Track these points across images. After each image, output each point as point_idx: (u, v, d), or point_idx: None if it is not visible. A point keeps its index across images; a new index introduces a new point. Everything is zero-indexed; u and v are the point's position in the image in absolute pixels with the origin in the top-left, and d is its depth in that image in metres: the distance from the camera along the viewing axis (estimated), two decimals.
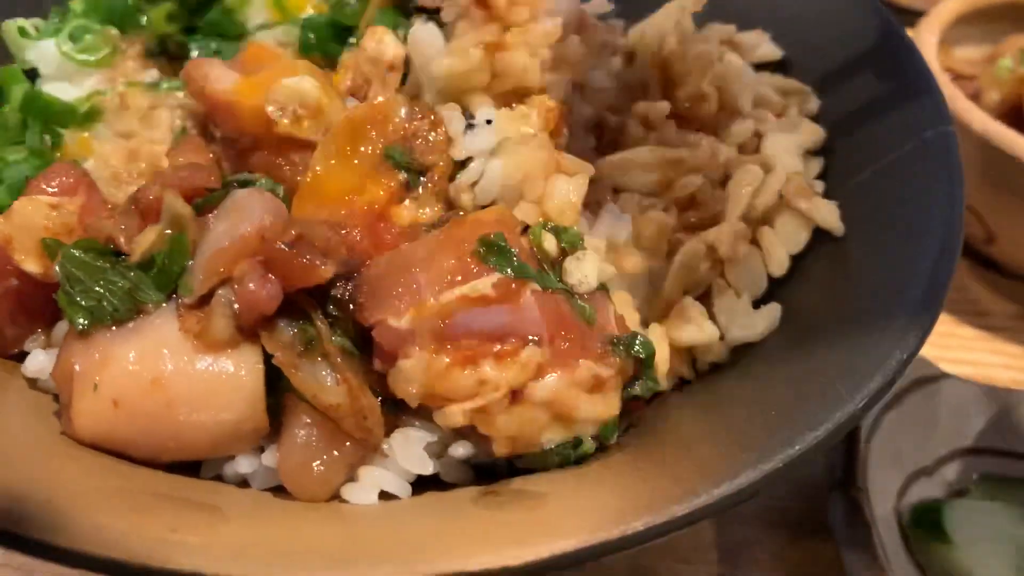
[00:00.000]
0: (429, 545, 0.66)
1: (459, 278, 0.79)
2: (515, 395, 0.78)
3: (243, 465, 0.81)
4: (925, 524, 1.11)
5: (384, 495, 0.81)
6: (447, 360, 0.77)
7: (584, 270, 0.87)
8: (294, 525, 0.73)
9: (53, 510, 0.64)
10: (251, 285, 0.76)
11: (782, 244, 1.02)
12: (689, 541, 1.19)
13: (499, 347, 0.77)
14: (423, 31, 0.95)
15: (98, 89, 1.11)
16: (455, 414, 0.78)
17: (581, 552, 0.64)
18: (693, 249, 0.97)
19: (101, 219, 0.86)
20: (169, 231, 0.83)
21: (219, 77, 0.96)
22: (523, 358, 0.77)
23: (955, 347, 1.42)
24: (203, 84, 0.96)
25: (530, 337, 0.77)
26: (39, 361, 0.88)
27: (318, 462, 0.77)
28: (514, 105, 0.96)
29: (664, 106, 1.05)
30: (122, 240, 0.83)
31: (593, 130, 1.07)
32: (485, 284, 0.78)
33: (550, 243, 0.86)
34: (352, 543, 0.69)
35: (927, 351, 1.25)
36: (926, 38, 1.48)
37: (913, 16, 1.53)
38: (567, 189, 0.90)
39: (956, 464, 1.22)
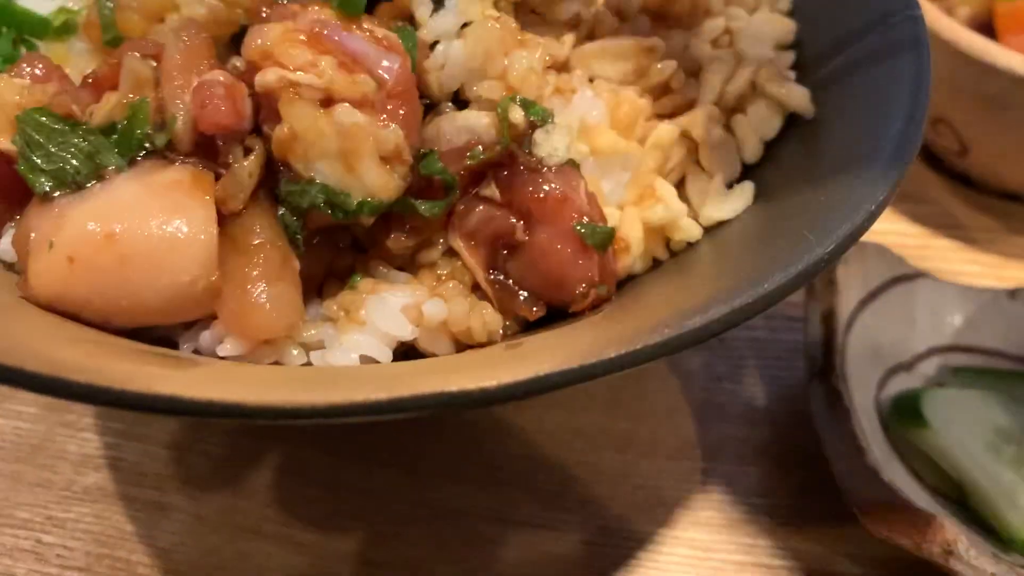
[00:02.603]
0: (408, 374, 0.67)
1: None
2: (327, 103, 0.80)
3: (215, 333, 0.80)
4: (904, 411, 1.12)
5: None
6: (301, 36, 0.80)
7: (554, 142, 0.88)
8: (269, 369, 0.74)
9: (20, 348, 0.63)
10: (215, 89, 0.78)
11: (755, 131, 1.03)
12: (674, 440, 1.20)
13: (347, 61, 0.81)
14: None
15: (68, 7, 1.11)
16: (272, 72, 0.79)
17: (555, 376, 0.65)
18: (666, 130, 0.98)
19: (61, 94, 0.85)
20: (131, 95, 0.82)
21: None
22: (358, 78, 0.79)
23: (932, 258, 1.44)
24: None
25: (376, 73, 0.80)
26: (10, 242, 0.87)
27: (259, 290, 0.76)
28: None
29: None
30: (76, 109, 0.82)
31: (570, 26, 1.07)
32: (376, 27, 0.83)
33: (517, 115, 0.87)
34: (331, 376, 0.70)
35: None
36: None
37: None
38: (527, 57, 0.91)
39: (934, 360, 1.24)
